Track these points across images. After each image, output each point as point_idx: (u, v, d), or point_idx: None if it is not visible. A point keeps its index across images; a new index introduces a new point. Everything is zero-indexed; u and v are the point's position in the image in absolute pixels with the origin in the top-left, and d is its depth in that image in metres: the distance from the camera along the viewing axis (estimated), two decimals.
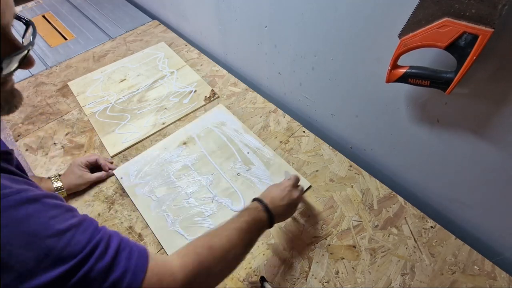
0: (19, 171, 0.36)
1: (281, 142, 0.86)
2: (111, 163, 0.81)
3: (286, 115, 0.92)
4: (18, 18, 0.36)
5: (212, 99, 0.97)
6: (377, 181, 0.77)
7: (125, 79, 1.04)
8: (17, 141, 0.87)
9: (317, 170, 0.79)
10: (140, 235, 0.69)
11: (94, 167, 0.78)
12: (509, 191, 0.58)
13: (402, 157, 0.74)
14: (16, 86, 0.38)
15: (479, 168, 0.60)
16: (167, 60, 1.11)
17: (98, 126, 0.90)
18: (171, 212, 0.72)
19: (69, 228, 0.33)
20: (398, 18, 0.50)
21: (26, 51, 0.34)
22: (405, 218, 0.70)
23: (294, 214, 0.71)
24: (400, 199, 0.73)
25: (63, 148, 0.85)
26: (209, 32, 1.10)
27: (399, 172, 0.78)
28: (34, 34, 0.37)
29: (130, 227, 0.70)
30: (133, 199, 0.74)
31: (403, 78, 0.54)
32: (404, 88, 0.62)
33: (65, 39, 1.22)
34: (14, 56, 0.33)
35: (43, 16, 1.34)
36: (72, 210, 0.36)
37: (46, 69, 1.09)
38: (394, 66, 0.54)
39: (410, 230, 0.68)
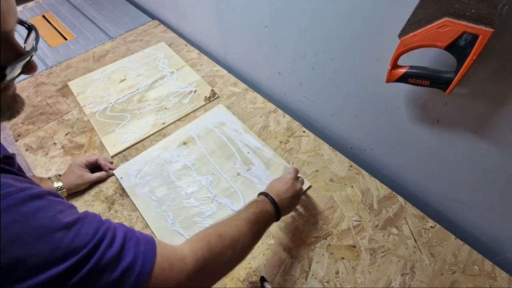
0: (21, 173, 0.36)
1: (281, 142, 0.86)
2: (111, 163, 0.81)
3: (286, 115, 0.92)
4: (21, 22, 0.36)
5: (212, 99, 0.97)
6: (377, 181, 0.77)
7: (125, 79, 1.04)
8: (17, 141, 0.87)
9: (317, 170, 0.79)
10: None
11: (94, 167, 0.78)
12: (509, 191, 0.58)
13: (402, 157, 0.74)
14: (16, 86, 0.38)
15: (479, 168, 0.60)
16: (167, 60, 1.11)
17: (98, 126, 0.90)
18: (171, 212, 0.72)
19: (75, 221, 0.33)
20: (398, 18, 0.50)
21: (29, 57, 0.34)
22: (405, 218, 0.70)
23: (294, 214, 0.71)
24: (400, 199, 0.73)
25: (63, 148, 0.85)
26: (209, 32, 1.10)
27: (399, 172, 0.78)
28: (37, 39, 0.37)
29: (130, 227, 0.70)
30: (133, 199, 0.74)
31: (403, 78, 0.54)
32: (404, 88, 0.62)
33: (65, 39, 1.22)
34: (18, 62, 0.33)
35: (43, 16, 1.34)
36: (74, 207, 0.37)
37: (46, 69, 1.09)
38: (394, 66, 0.54)
39: (410, 230, 0.68)
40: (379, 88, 0.67)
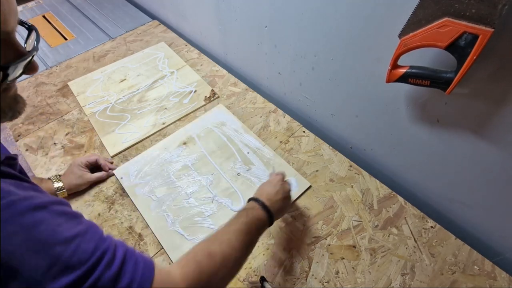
0: (23, 176, 0.36)
1: (281, 142, 0.86)
2: (111, 163, 0.81)
3: (286, 115, 0.92)
4: (21, 23, 0.36)
5: (212, 99, 0.97)
6: (377, 181, 0.77)
7: (125, 79, 1.04)
8: (17, 141, 0.87)
9: (317, 170, 0.79)
10: (140, 235, 0.69)
11: (94, 167, 0.78)
12: (509, 191, 0.58)
13: (402, 157, 0.74)
14: (17, 86, 0.38)
15: (479, 168, 0.60)
16: (167, 60, 1.11)
17: (98, 126, 0.90)
18: (171, 212, 0.72)
19: (76, 236, 0.32)
20: (398, 18, 0.50)
21: (30, 57, 0.34)
22: (405, 218, 0.70)
23: (294, 214, 0.71)
24: (400, 199, 0.73)
25: (63, 148, 0.85)
26: (209, 32, 1.10)
27: (399, 172, 0.78)
28: (38, 39, 0.37)
29: (130, 227, 0.70)
30: (133, 199, 0.74)
31: (403, 78, 0.54)
32: (404, 88, 0.62)
33: (65, 39, 1.22)
34: (20, 62, 0.33)
35: (43, 16, 1.34)
36: (78, 217, 0.36)
37: (46, 69, 1.09)
38: (394, 66, 0.54)
39: (410, 230, 0.68)
40: (379, 88, 0.67)
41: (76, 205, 0.73)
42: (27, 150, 0.84)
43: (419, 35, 0.47)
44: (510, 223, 0.62)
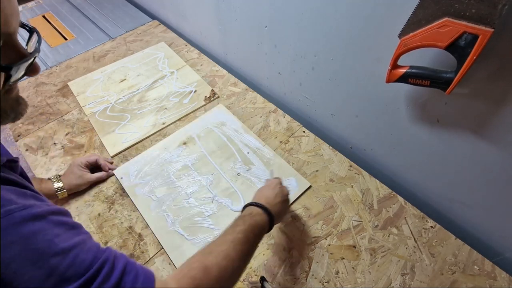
0: (23, 179, 0.36)
1: (281, 142, 0.86)
2: (111, 163, 0.81)
3: (286, 115, 0.92)
4: (22, 25, 0.36)
5: (212, 99, 0.97)
6: (377, 181, 0.77)
7: (125, 79, 1.04)
8: (17, 141, 0.87)
9: (317, 170, 0.79)
10: (140, 235, 0.69)
11: (94, 167, 0.78)
12: (509, 191, 0.58)
13: (402, 157, 0.74)
14: (18, 88, 0.38)
15: (479, 168, 0.60)
16: (167, 60, 1.11)
17: (98, 126, 0.90)
18: (171, 212, 0.72)
19: (73, 247, 0.32)
20: (398, 18, 0.50)
21: (32, 59, 0.34)
22: (405, 218, 0.70)
23: (294, 214, 0.71)
24: (400, 199, 0.73)
25: (63, 148, 0.85)
26: (209, 32, 1.10)
27: (399, 172, 0.78)
28: (39, 41, 0.37)
29: (130, 227, 0.70)
30: (133, 199, 0.74)
31: (403, 78, 0.54)
32: (404, 88, 0.62)
33: (65, 39, 1.22)
34: (22, 63, 0.33)
35: (43, 16, 1.34)
36: (77, 227, 0.35)
37: (46, 69, 1.09)
38: (394, 66, 0.54)
39: (410, 230, 0.68)
40: (379, 88, 0.67)
41: (76, 205, 0.73)
42: (27, 150, 0.84)
43: (419, 35, 0.47)
44: (510, 223, 0.62)
